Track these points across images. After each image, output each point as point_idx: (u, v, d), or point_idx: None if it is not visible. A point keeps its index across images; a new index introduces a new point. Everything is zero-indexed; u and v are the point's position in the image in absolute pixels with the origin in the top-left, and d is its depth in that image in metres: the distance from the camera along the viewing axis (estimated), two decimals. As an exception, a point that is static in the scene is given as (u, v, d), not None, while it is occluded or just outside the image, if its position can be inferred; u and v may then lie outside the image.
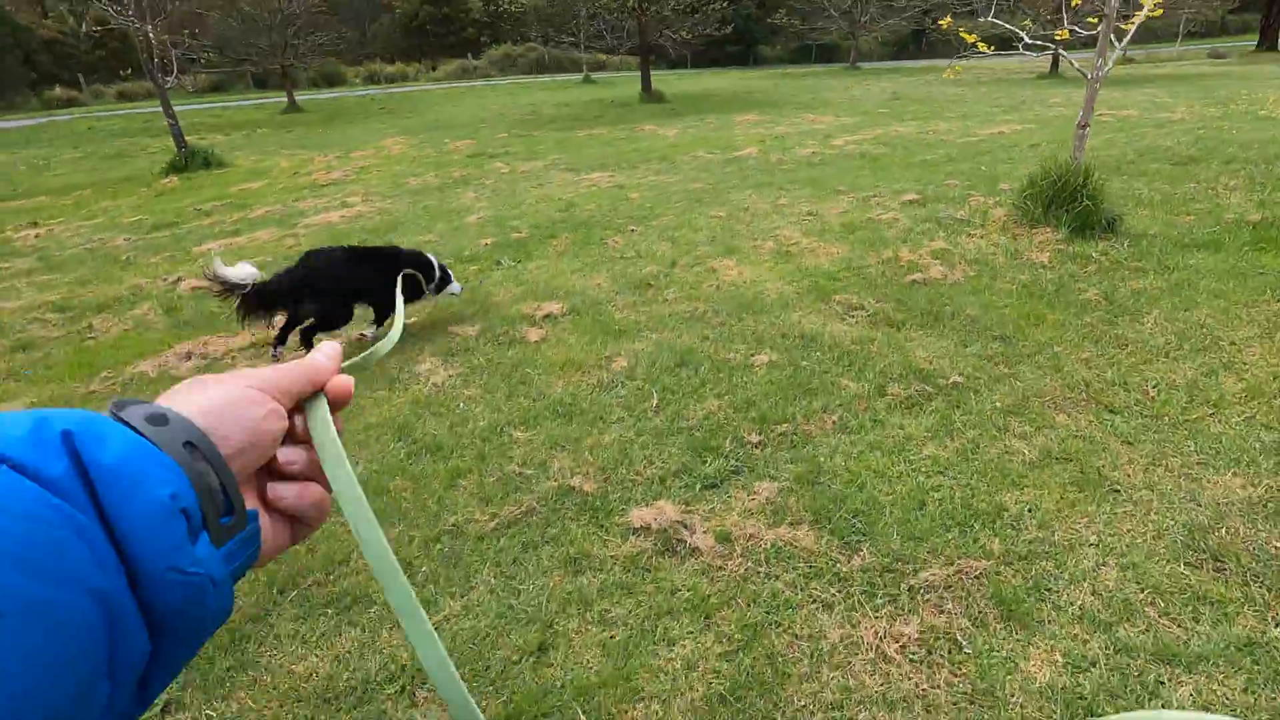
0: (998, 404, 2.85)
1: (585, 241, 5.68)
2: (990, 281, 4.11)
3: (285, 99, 22.82)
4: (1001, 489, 2.34)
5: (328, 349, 0.43)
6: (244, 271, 3.32)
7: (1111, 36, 4.49)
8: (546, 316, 4.07)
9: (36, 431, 0.28)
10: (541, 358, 3.54)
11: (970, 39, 5.08)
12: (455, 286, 3.97)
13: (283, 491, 0.39)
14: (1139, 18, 4.50)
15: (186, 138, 11.87)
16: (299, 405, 0.40)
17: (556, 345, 3.68)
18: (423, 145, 13.07)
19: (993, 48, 4.97)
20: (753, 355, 3.39)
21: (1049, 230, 4.73)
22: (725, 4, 16.61)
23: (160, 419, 0.32)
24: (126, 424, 0.32)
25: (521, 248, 5.59)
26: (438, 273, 3.78)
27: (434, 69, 41.38)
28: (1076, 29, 4.89)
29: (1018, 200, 4.98)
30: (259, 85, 34.83)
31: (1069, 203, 4.66)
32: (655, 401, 3.03)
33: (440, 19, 46.73)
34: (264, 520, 0.38)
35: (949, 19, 5.15)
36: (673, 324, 3.85)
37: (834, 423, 2.79)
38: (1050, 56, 23.86)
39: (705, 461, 2.59)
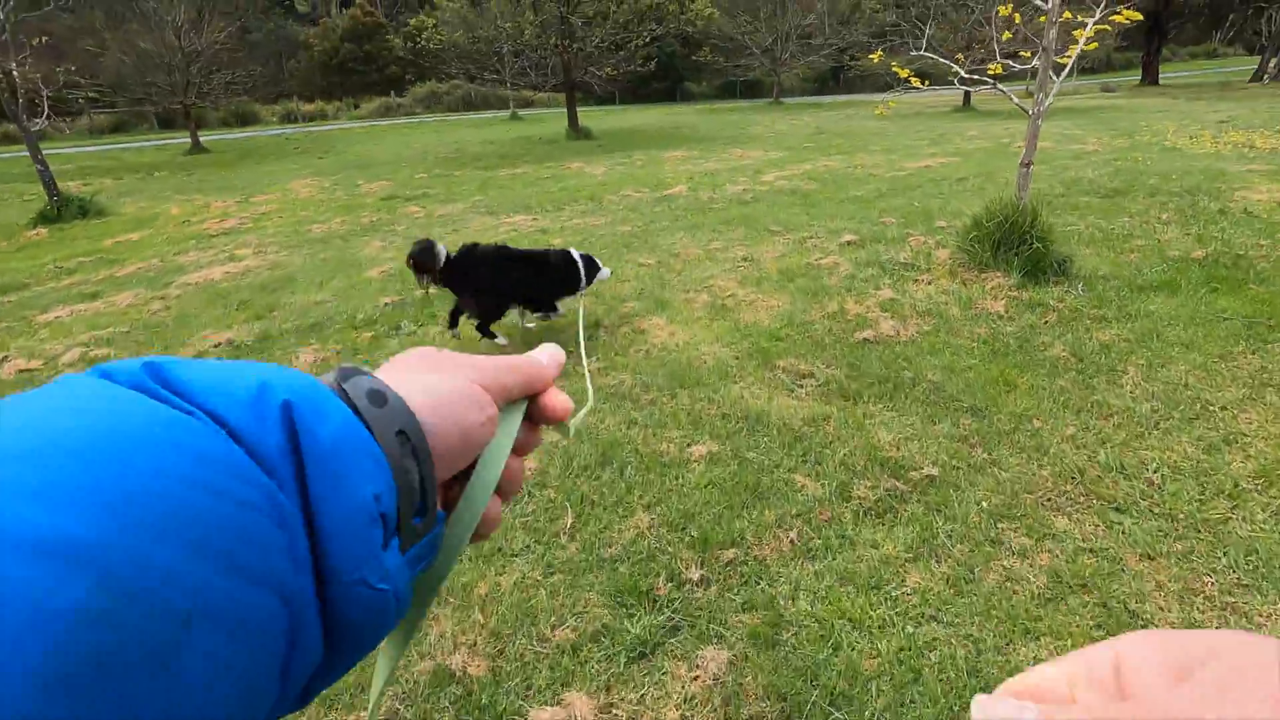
0: (984, 505, 2.36)
1: (499, 298, 5.05)
2: (948, 338, 3.70)
3: (189, 140, 21.42)
4: (1013, 639, 1.82)
5: (551, 351, 0.40)
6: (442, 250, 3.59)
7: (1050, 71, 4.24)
8: (445, 399, 3.41)
9: (260, 398, 0.26)
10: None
11: (904, 74, 4.80)
12: (604, 273, 4.06)
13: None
14: (1075, 50, 4.28)
15: (74, 182, 10.73)
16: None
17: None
18: (334, 188, 12.21)
19: (928, 82, 4.68)
20: (689, 446, 2.82)
21: (999, 275, 4.39)
22: (647, 41, 16.46)
23: (380, 399, 0.30)
24: (346, 397, 0.30)
25: (426, 307, 4.91)
26: (583, 271, 3.90)
27: (356, 106, 40.27)
28: (1011, 63, 4.66)
29: (963, 242, 4.65)
30: (164, 125, 32.95)
31: (1019, 245, 4.35)
32: (570, 520, 2.41)
33: (362, 56, 45.72)
34: None
35: (880, 52, 4.85)
36: (595, 405, 3.25)
37: (792, 543, 2.23)
38: (963, 90, 24.91)
39: (633, 615, 1.97)
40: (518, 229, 7.71)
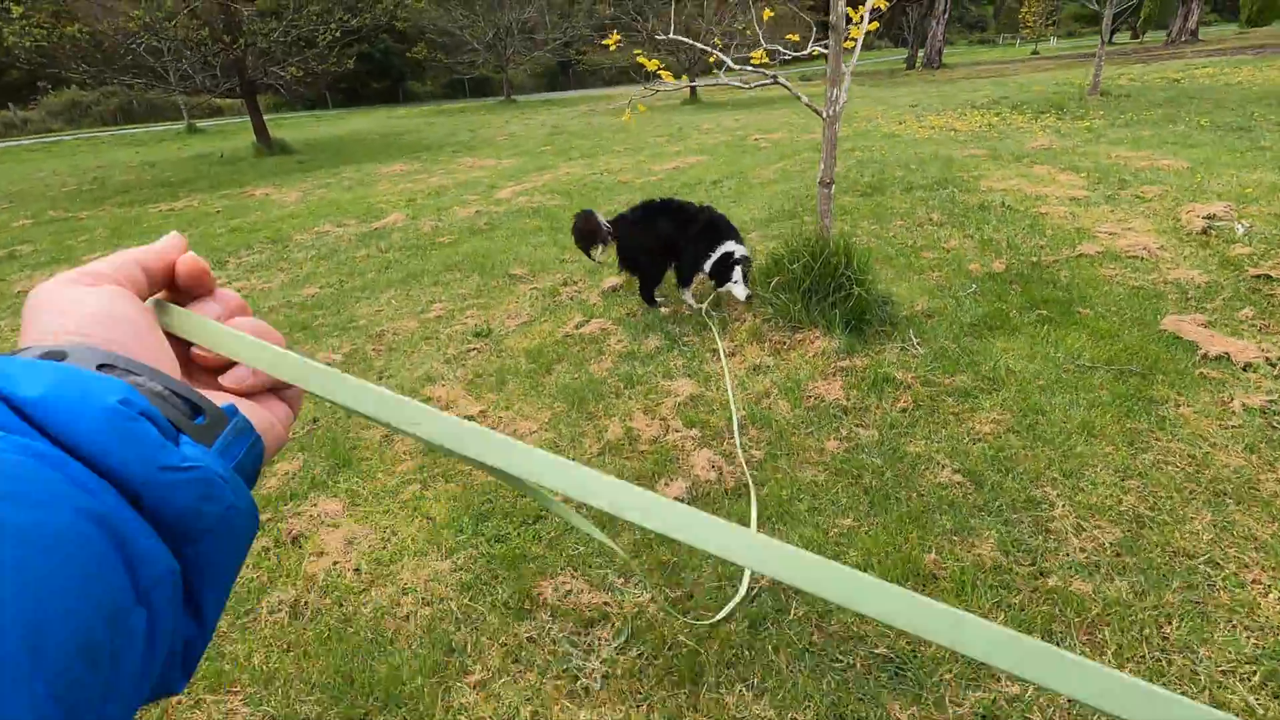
0: None
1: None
2: (791, 471, 2.41)
3: None
4: None
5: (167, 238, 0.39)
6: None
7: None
8: None
9: None
10: None
11: (653, 66, 3.47)
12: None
13: (236, 375, 0.37)
14: (860, 32, 3.26)
15: None
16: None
17: None
18: None
19: (685, 76, 3.41)
20: None
21: (818, 334, 3.28)
22: (339, 35, 13.72)
23: (59, 354, 0.30)
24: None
25: None
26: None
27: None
28: (780, 49, 3.55)
29: (765, 290, 3.46)
30: None
31: (835, 292, 3.26)
32: None
33: (-42, 58, 34.81)
34: (248, 408, 0.36)
35: (616, 35, 3.47)
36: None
37: None
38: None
39: None
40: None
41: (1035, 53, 38.22)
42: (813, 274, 3.29)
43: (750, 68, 3.48)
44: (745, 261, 3.48)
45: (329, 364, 2.41)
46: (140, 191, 11.69)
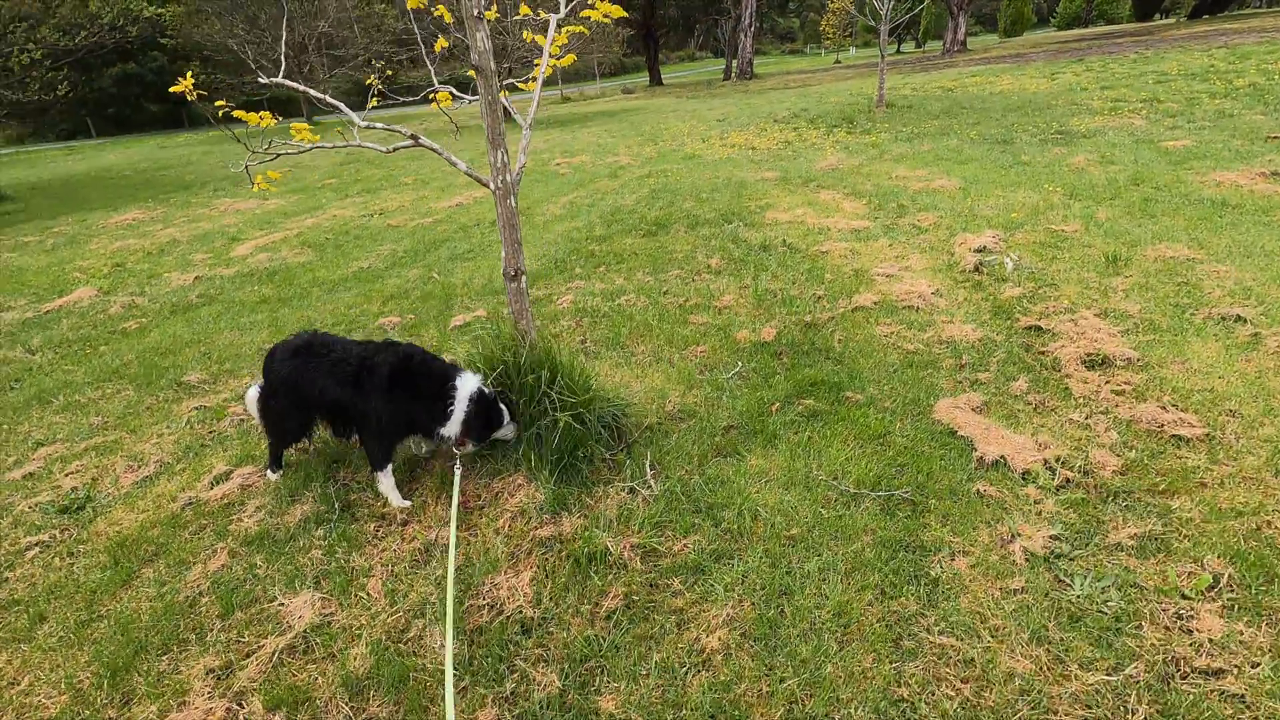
0: None
1: None
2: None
3: None
4: None
5: None
6: None
7: (505, 100, 2.33)
8: None
9: None
10: None
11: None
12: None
13: None
14: (541, 70, 2.45)
15: None
16: None
17: None
18: None
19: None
20: None
21: (521, 480, 2.41)
22: (41, 56, 11.20)
23: None
24: None
25: None
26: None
27: None
28: (453, 91, 2.67)
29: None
30: None
31: (538, 418, 2.41)
32: None
33: None
34: None
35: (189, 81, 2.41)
36: None
37: None
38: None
39: None
40: None
41: (838, 61, 41.03)
42: (512, 391, 2.42)
43: (379, 125, 2.55)
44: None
45: None
46: None
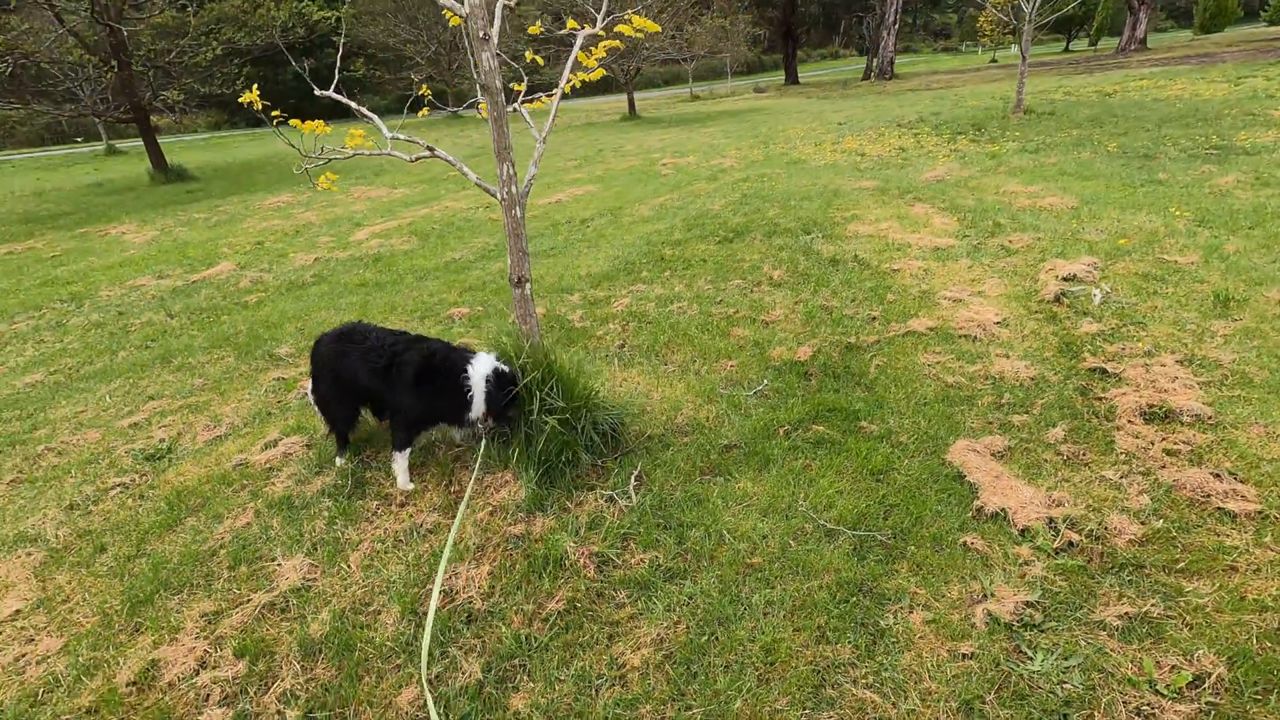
0: None
1: None
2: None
3: None
4: None
5: None
6: None
7: (521, 109, 2.46)
8: None
9: None
10: None
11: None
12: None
13: None
14: (560, 85, 2.55)
15: None
16: None
17: None
18: None
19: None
20: None
21: (509, 478, 2.54)
22: (221, 55, 12.86)
23: None
24: None
25: None
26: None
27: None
28: (451, 111, 2.83)
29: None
30: None
31: (528, 422, 2.52)
32: None
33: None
34: None
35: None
36: None
37: None
38: (626, 97, 24.81)
39: None
40: None
41: (994, 60, 38.17)
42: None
43: (401, 136, 2.75)
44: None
45: None
46: (-3, 230, 10.73)
